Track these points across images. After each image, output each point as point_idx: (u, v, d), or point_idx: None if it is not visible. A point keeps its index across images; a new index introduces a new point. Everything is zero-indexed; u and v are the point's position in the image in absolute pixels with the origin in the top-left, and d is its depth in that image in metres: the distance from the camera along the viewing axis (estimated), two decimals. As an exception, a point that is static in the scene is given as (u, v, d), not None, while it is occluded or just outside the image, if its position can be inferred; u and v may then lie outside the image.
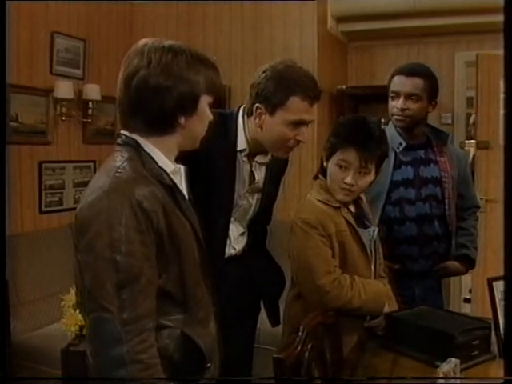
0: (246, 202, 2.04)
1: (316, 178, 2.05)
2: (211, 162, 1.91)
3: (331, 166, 1.95)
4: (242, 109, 1.99)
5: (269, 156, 2.02)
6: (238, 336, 2.07)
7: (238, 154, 1.96)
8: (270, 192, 2.09)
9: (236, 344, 2.03)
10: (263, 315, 2.24)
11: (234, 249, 2.06)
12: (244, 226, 2.08)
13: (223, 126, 1.93)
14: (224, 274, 2.00)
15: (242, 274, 2.10)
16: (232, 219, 2.03)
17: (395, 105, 2.37)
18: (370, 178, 1.95)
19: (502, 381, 1.48)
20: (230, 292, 2.03)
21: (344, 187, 1.92)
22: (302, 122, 1.87)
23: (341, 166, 1.91)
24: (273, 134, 1.89)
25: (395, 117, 2.39)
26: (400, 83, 2.36)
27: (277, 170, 2.11)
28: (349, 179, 1.91)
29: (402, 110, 2.36)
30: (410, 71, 2.38)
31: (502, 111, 3.95)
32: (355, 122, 1.97)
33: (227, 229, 2.01)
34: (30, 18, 3.65)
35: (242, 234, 2.09)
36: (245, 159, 1.97)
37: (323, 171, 2.01)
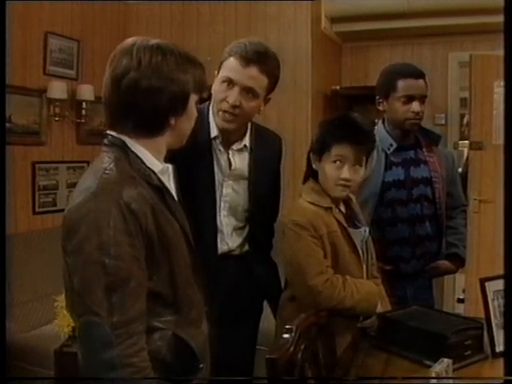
0: (232, 190, 2.03)
1: (305, 181, 2.05)
2: (188, 153, 1.91)
3: (326, 164, 1.94)
4: (213, 99, 2.01)
5: (244, 142, 2.03)
6: (239, 337, 2.06)
7: (213, 142, 1.99)
8: (258, 181, 2.07)
9: (237, 345, 2.02)
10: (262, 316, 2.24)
11: (227, 244, 2.04)
12: (240, 220, 2.06)
13: (198, 117, 1.95)
14: (221, 272, 1.99)
15: (243, 274, 2.08)
16: (225, 212, 2.02)
17: (410, 109, 2.33)
18: (363, 171, 1.97)
19: (501, 381, 1.48)
20: (230, 293, 2.02)
21: (340, 183, 1.93)
22: (230, 82, 1.90)
23: (335, 162, 1.91)
24: (213, 95, 1.96)
25: (410, 121, 2.35)
26: (412, 87, 2.33)
27: (264, 158, 2.09)
28: (345, 174, 1.91)
29: (418, 113, 2.34)
30: (417, 73, 2.36)
31: (495, 111, 3.96)
32: (342, 119, 2.00)
33: (215, 219, 2.00)
34: (23, 18, 3.63)
35: (239, 229, 2.07)
36: (221, 148, 2.00)
37: (312, 173, 2.01)
